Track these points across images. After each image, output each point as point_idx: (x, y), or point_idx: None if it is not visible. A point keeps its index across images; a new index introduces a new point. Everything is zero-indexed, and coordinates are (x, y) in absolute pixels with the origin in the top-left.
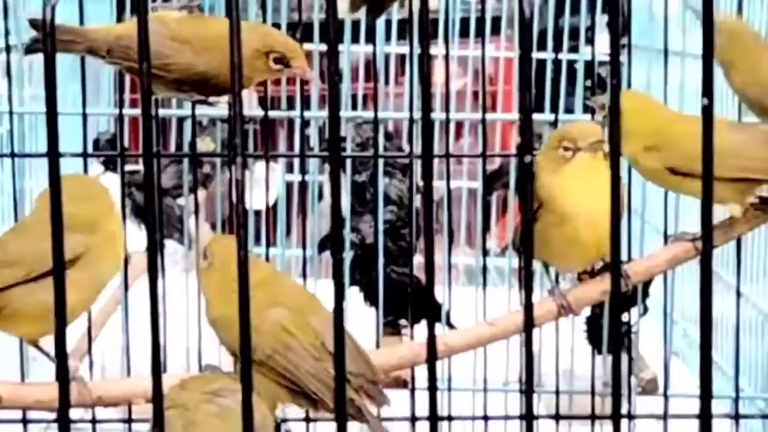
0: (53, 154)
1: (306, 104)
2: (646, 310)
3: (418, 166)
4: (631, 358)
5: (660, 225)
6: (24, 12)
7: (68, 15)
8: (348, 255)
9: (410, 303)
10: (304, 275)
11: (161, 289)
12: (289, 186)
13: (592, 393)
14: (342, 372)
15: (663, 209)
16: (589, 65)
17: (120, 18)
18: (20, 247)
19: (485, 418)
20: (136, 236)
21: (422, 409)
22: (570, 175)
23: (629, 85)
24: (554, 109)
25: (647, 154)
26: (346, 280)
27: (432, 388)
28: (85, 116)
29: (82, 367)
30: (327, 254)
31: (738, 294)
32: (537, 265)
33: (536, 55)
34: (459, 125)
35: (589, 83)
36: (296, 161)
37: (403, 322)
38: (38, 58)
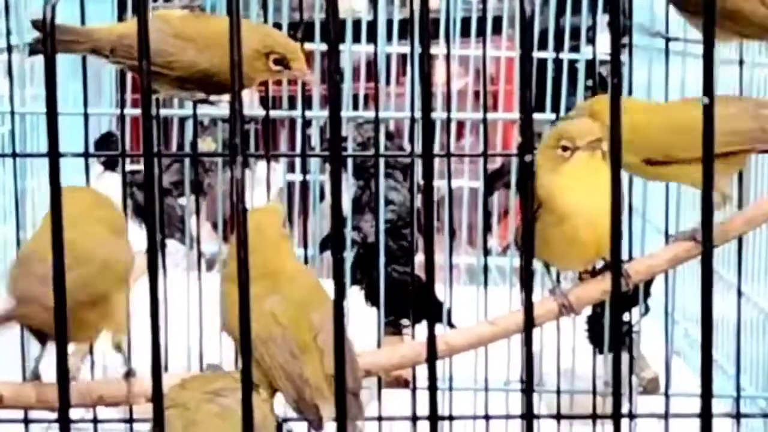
0: (53, 154)
1: (307, 104)
2: (647, 309)
3: (419, 166)
4: (632, 357)
5: (661, 224)
6: (25, 12)
7: (69, 15)
8: (349, 254)
9: (411, 302)
10: None
11: (162, 289)
12: (290, 185)
13: (594, 392)
14: (342, 371)
15: (664, 208)
16: (591, 65)
17: (121, 18)
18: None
19: (486, 417)
20: (138, 236)
21: (423, 408)
22: (569, 174)
23: (630, 85)
24: (555, 108)
25: (624, 151)
26: (348, 279)
27: (433, 388)
28: (86, 116)
29: (84, 366)
30: (328, 254)
31: (739, 293)
32: (538, 265)
33: (537, 54)
34: (460, 125)
35: (590, 83)
36: (297, 161)
37: (404, 321)
38: (40, 59)
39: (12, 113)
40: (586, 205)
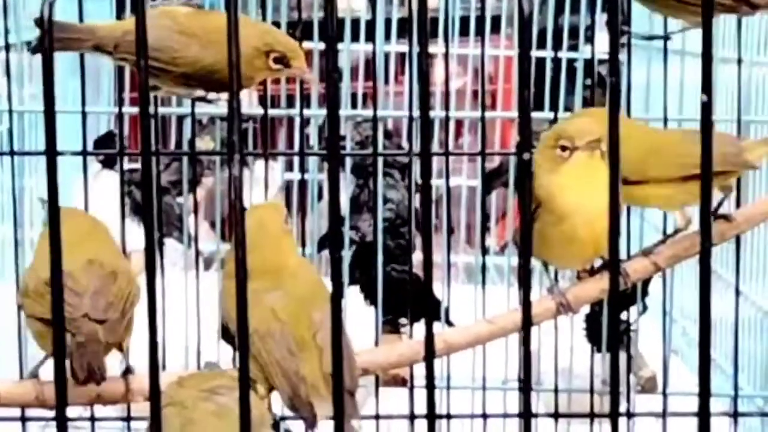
0: (51, 153)
1: (306, 103)
2: (645, 308)
3: (417, 165)
4: (630, 356)
5: (659, 223)
6: (24, 10)
7: (68, 13)
8: (347, 253)
9: (409, 301)
10: None
11: (160, 288)
12: (288, 184)
13: (591, 391)
14: (339, 369)
15: None
16: (589, 64)
17: (120, 15)
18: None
19: (484, 416)
20: (136, 234)
21: (421, 407)
22: (568, 174)
23: (629, 84)
24: (554, 107)
25: None
26: (346, 278)
27: (430, 386)
28: (84, 114)
29: None
30: (326, 252)
31: (737, 292)
32: (536, 264)
33: (536, 53)
34: (459, 123)
35: (588, 82)
36: (296, 160)
37: (402, 320)
38: (38, 57)
39: (10, 111)
40: (584, 204)
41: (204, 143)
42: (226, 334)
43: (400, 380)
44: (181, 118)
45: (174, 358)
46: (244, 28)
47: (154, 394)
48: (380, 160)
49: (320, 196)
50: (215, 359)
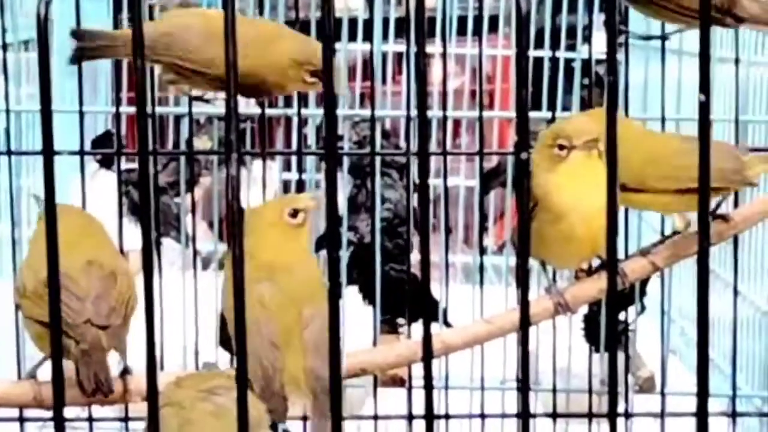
0: (48, 152)
1: (304, 102)
2: (643, 308)
3: (415, 165)
4: (628, 356)
5: (657, 223)
6: (20, 9)
7: (65, 12)
8: (345, 254)
9: (407, 301)
10: None
11: (158, 288)
12: (286, 184)
13: (590, 391)
14: (338, 369)
15: None
16: (587, 63)
17: (117, 15)
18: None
19: (482, 416)
20: (133, 234)
21: (419, 407)
22: (565, 173)
23: (627, 83)
24: (552, 107)
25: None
26: (344, 278)
27: (428, 387)
28: (81, 114)
29: None
30: (324, 252)
31: (735, 292)
32: (534, 263)
33: (533, 53)
34: (456, 123)
35: (586, 81)
36: (294, 159)
37: (400, 320)
38: (35, 56)
39: (7, 111)
40: (581, 203)
41: (201, 143)
42: (224, 340)
43: (399, 380)
44: (178, 118)
45: (172, 358)
46: (285, 38)
47: (152, 395)
48: (378, 160)
49: None
50: (213, 359)
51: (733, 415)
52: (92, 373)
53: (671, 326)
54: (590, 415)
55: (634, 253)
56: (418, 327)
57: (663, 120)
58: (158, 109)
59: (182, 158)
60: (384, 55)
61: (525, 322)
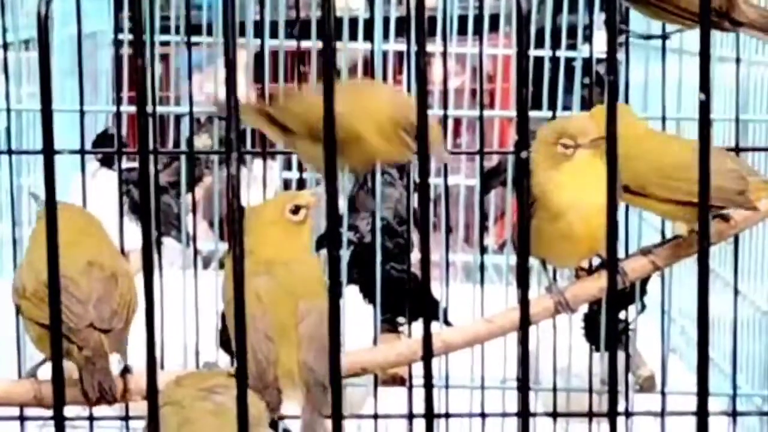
0: (48, 151)
1: None
2: (643, 307)
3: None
4: (629, 355)
5: (657, 221)
6: (21, 9)
7: (66, 11)
8: (346, 253)
9: (408, 300)
10: None
11: (159, 287)
12: (286, 183)
13: (590, 390)
14: (337, 369)
15: None
16: (587, 63)
17: (117, 15)
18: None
19: (482, 415)
20: (134, 234)
21: (419, 406)
22: (569, 171)
23: (627, 83)
24: (552, 106)
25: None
26: (344, 278)
27: (428, 386)
28: (82, 113)
29: None
30: (324, 252)
31: (735, 292)
32: (534, 263)
33: (534, 52)
34: (457, 122)
35: (587, 81)
36: (294, 158)
37: (400, 319)
38: (35, 56)
39: (8, 110)
40: (580, 201)
41: (201, 141)
42: (224, 342)
43: (399, 379)
44: (179, 117)
45: (172, 357)
46: (386, 97)
47: (152, 394)
48: None
49: None
50: (214, 359)
51: (734, 414)
52: (96, 381)
53: (671, 325)
54: (590, 415)
55: (635, 253)
56: (418, 326)
57: (663, 119)
58: (159, 109)
59: (183, 157)
60: (385, 55)
61: (525, 322)
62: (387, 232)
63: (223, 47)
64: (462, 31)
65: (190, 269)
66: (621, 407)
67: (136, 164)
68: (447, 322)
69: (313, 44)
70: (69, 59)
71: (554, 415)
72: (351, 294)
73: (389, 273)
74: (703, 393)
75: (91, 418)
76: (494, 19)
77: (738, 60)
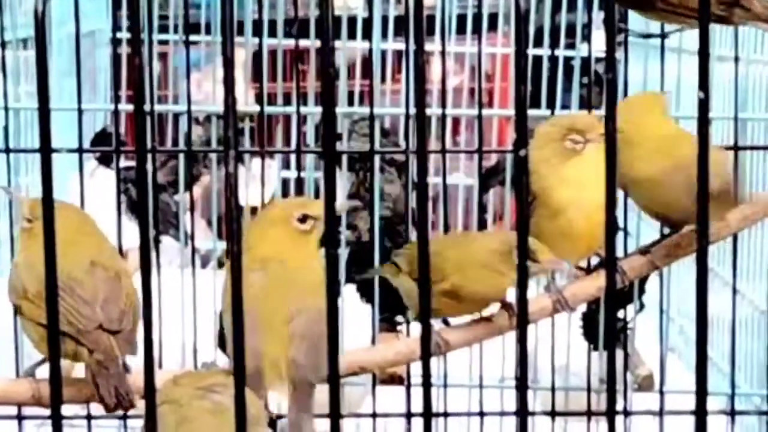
0: (46, 150)
1: (303, 100)
2: (642, 306)
3: (414, 163)
4: (627, 354)
5: (656, 222)
6: (19, 8)
7: (64, 10)
8: (344, 252)
9: None
10: None
11: (157, 286)
12: (285, 182)
13: (588, 389)
14: (336, 368)
15: None
16: (586, 62)
17: (116, 13)
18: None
19: (481, 414)
20: (132, 232)
21: (418, 405)
22: (576, 166)
23: (626, 81)
24: (551, 105)
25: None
26: (342, 277)
27: (427, 385)
28: (80, 111)
29: (78, 364)
30: (322, 250)
31: (734, 291)
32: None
33: (533, 51)
34: (456, 121)
35: (585, 80)
36: (293, 157)
37: (399, 318)
38: (33, 55)
39: (6, 109)
40: (582, 197)
41: (196, 133)
42: (223, 342)
43: (397, 378)
44: (177, 116)
45: (170, 356)
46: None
47: (150, 393)
48: (377, 158)
49: (317, 195)
50: (212, 358)
51: (732, 413)
52: (112, 387)
53: (670, 324)
54: (589, 414)
55: (633, 252)
56: (416, 325)
57: None
58: (157, 107)
59: (181, 156)
60: (383, 54)
61: (523, 321)
62: (386, 230)
63: (222, 46)
64: (460, 30)
65: (189, 268)
66: (619, 406)
67: (134, 163)
68: (445, 322)
69: (311, 43)
70: (67, 58)
71: (553, 414)
72: (349, 293)
73: None
74: (701, 392)
75: (89, 417)
76: (493, 18)
77: (737, 59)
